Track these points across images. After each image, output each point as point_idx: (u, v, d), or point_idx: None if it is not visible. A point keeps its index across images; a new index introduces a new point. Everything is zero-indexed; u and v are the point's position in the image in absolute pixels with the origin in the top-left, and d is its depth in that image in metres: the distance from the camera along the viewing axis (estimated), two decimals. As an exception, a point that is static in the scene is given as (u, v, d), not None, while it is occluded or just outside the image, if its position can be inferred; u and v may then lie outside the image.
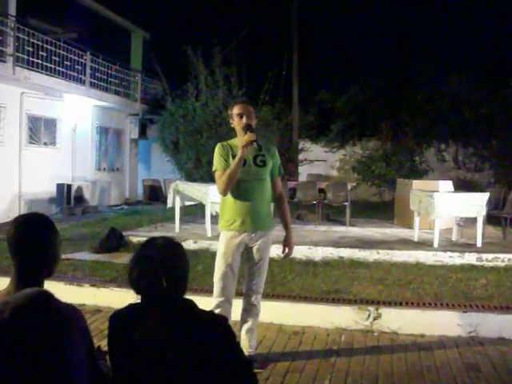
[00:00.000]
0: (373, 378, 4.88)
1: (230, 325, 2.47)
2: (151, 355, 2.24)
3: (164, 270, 2.31)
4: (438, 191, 10.49)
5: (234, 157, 4.71)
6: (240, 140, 4.68)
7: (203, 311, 2.42)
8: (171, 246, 2.46)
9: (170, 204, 10.71)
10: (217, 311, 4.79)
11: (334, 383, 4.74)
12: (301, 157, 23.22)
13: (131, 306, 2.44)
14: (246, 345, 4.93)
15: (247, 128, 4.65)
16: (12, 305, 1.33)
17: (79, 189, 17.22)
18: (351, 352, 5.55)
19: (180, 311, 2.36)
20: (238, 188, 4.75)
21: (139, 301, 2.42)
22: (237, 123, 4.77)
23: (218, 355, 2.28)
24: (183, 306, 2.40)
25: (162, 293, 2.32)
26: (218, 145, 4.88)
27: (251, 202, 4.76)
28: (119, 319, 2.42)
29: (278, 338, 5.88)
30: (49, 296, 1.42)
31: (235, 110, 4.78)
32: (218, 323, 2.40)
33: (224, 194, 4.76)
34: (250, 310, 4.99)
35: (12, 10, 14.92)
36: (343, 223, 12.73)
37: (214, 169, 4.82)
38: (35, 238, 2.52)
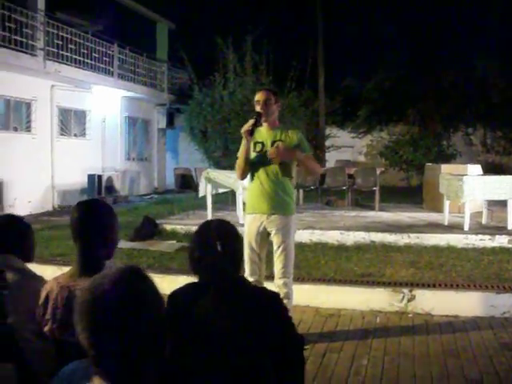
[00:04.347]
0: (409, 357, 5.01)
1: (282, 299, 2.62)
2: (210, 331, 2.39)
3: (222, 250, 2.47)
4: (467, 175, 10.50)
5: (257, 143, 4.98)
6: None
7: (257, 287, 2.59)
8: (227, 228, 2.61)
9: (202, 193, 10.82)
10: None
11: (372, 363, 4.88)
12: (327, 143, 23.27)
13: (189, 285, 2.59)
14: None
15: (255, 115, 4.89)
16: (110, 276, 1.48)
17: (110, 179, 17.47)
18: (387, 333, 5.68)
19: (237, 288, 2.51)
20: (256, 172, 5.00)
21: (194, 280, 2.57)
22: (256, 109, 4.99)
23: (272, 327, 2.42)
24: (239, 283, 2.56)
25: (222, 272, 2.47)
26: None
27: (267, 185, 4.97)
28: (178, 298, 2.56)
29: (314, 321, 6.02)
30: (139, 269, 1.59)
31: (255, 97, 5.02)
32: (271, 298, 2.55)
33: (240, 178, 5.15)
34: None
35: (41, 4, 15.15)
36: (372, 208, 12.80)
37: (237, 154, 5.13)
38: (97, 223, 2.68)
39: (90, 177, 16.91)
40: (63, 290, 2.62)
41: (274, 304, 2.53)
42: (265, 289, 2.68)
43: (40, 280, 2.93)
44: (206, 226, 2.59)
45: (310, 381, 4.41)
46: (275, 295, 2.62)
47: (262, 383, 2.39)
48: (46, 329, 2.63)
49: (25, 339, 2.71)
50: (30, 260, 3.09)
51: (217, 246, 2.46)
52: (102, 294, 1.42)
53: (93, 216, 2.70)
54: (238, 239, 2.62)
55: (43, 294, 2.67)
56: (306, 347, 4.78)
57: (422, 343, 5.36)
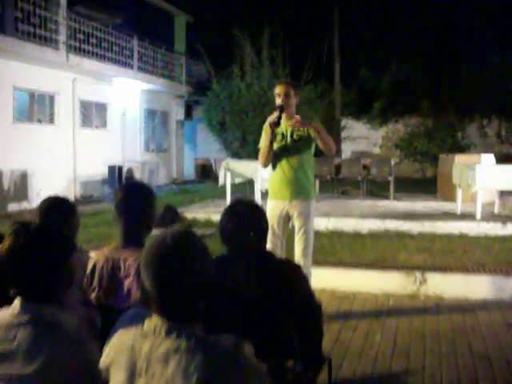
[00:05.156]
0: (420, 335, 5.32)
1: (302, 270, 2.96)
2: (241, 297, 2.70)
3: (252, 225, 2.80)
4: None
5: (277, 133, 5.28)
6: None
7: (280, 259, 2.93)
8: (256, 206, 2.95)
9: (221, 182, 11.15)
10: None
11: (385, 339, 5.19)
12: (343, 134, 23.51)
13: (218, 257, 2.91)
14: None
15: (277, 108, 5.17)
16: (170, 234, 1.83)
17: (129, 170, 17.78)
18: (399, 313, 5.99)
19: (264, 260, 2.85)
20: (278, 161, 5.34)
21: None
22: (276, 102, 5.29)
23: (294, 294, 2.76)
24: (266, 255, 2.90)
25: (250, 244, 2.80)
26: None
27: (289, 173, 5.30)
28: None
29: (330, 302, 6.33)
30: (192, 230, 1.93)
31: (275, 90, 5.31)
32: (293, 269, 2.90)
33: (263, 166, 5.48)
34: None
35: (63, -1, 15.55)
36: (387, 198, 13.06)
37: (259, 145, 5.47)
38: (138, 201, 3.03)
39: (111, 168, 17.24)
40: (108, 260, 2.97)
41: (296, 273, 2.87)
42: (288, 260, 3.01)
43: (85, 253, 3.29)
44: (237, 203, 2.93)
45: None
46: (297, 266, 2.96)
47: (285, 343, 2.72)
48: (93, 296, 2.98)
49: (71, 306, 3.06)
50: (75, 236, 3.44)
51: (247, 221, 2.80)
52: (164, 248, 1.77)
53: (135, 195, 3.06)
54: (264, 216, 2.96)
55: (90, 265, 3.01)
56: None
57: (432, 322, 5.67)
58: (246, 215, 2.82)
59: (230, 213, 2.86)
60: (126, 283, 2.89)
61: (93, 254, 3.10)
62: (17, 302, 2.06)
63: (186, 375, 1.66)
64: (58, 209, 3.37)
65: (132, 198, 3.05)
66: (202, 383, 1.65)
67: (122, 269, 2.91)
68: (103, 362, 1.90)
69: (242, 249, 2.80)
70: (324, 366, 3.18)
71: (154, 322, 1.79)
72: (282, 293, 2.72)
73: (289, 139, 5.29)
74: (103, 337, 2.11)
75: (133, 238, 2.99)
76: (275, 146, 5.30)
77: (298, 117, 5.15)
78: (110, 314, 2.79)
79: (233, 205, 2.94)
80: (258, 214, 2.91)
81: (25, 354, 1.95)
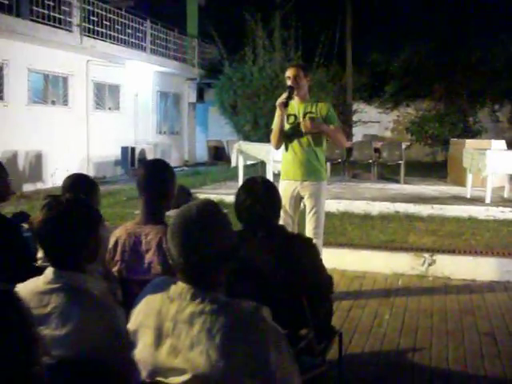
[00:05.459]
0: (428, 313, 5.46)
1: (314, 244, 3.10)
2: (255, 270, 2.84)
3: (267, 201, 2.94)
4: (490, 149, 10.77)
5: (290, 115, 5.43)
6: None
7: (293, 233, 3.06)
8: (270, 183, 3.08)
9: (234, 163, 11.32)
10: None
11: (393, 318, 5.33)
12: (354, 118, 23.52)
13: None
14: None
15: (288, 89, 5.32)
16: (195, 206, 1.97)
17: (142, 151, 17.94)
18: (408, 293, 6.13)
19: (277, 234, 2.98)
20: (291, 143, 5.49)
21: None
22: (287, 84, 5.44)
23: (306, 266, 2.89)
24: (279, 230, 3.04)
25: (265, 220, 2.94)
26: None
27: (300, 154, 5.46)
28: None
29: (341, 282, 6.46)
30: (216, 203, 2.06)
31: (286, 73, 5.47)
32: (305, 242, 3.04)
33: (275, 147, 5.64)
34: None
35: (77, -19, 15.62)
36: (397, 181, 13.15)
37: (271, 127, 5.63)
38: (159, 178, 3.16)
39: (124, 149, 17.41)
40: (130, 235, 3.09)
41: (308, 247, 3.01)
42: (300, 234, 3.15)
43: (107, 228, 3.43)
44: (253, 181, 3.06)
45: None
46: (309, 240, 3.10)
47: (298, 313, 2.86)
48: (115, 269, 3.11)
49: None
50: None
51: (263, 197, 2.93)
52: (190, 217, 1.91)
53: (155, 172, 3.18)
54: (278, 193, 3.10)
55: (113, 240, 3.15)
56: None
57: (440, 302, 5.81)
58: (261, 191, 2.95)
59: (246, 189, 2.99)
60: (147, 257, 3.01)
61: (115, 230, 3.23)
62: (49, 271, 2.21)
63: (209, 335, 1.80)
64: (81, 185, 3.51)
65: (154, 174, 3.18)
66: (224, 343, 1.79)
67: (144, 243, 3.04)
68: (131, 326, 2.03)
69: (257, 224, 2.93)
70: (335, 339, 3.33)
71: (180, 287, 1.92)
72: (295, 265, 2.86)
73: (301, 121, 5.42)
74: (125, 308, 2.24)
75: (154, 214, 3.11)
76: (287, 127, 5.44)
77: (307, 122, 5.30)
78: (131, 287, 2.93)
79: (249, 182, 3.07)
80: (273, 190, 3.05)
81: (58, 318, 2.09)
